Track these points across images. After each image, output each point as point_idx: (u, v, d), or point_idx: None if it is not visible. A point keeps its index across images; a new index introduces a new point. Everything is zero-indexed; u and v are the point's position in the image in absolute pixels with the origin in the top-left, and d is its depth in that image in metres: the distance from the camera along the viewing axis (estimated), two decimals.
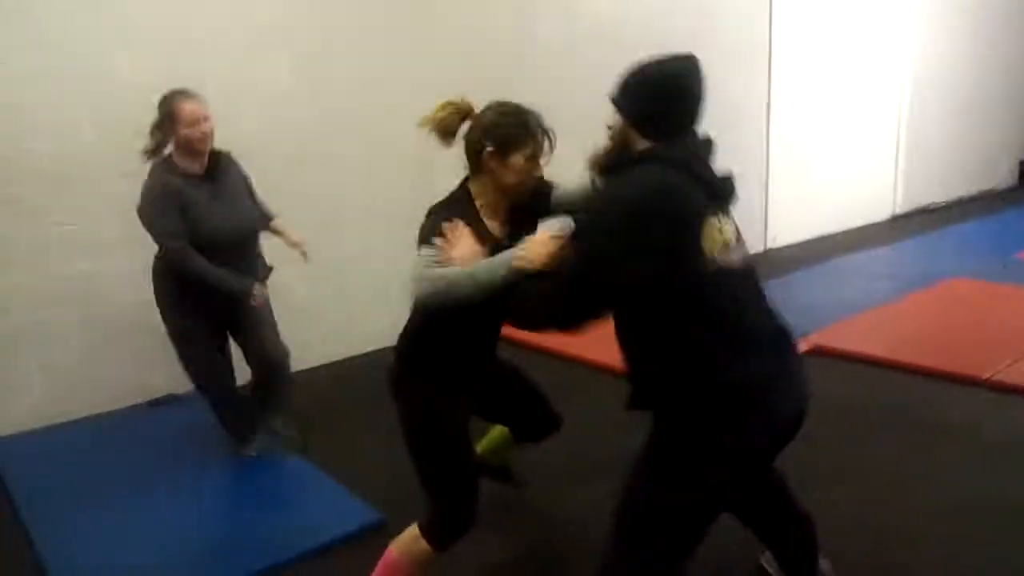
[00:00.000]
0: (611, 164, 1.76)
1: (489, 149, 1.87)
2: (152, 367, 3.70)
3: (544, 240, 1.75)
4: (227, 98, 3.31)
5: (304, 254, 3.22)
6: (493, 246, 1.85)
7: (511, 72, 4.68)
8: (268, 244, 3.23)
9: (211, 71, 3.60)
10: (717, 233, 1.65)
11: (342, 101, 4.27)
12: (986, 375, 3.63)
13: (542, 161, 1.93)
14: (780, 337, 1.75)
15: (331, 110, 4.23)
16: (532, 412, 2.32)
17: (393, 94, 4.35)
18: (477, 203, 1.93)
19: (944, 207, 8.54)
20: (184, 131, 2.70)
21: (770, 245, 6.81)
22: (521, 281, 1.71)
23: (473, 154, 1.91)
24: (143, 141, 2.77)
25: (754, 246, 6.26)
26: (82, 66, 3.49)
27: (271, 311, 3.06)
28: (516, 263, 1.72)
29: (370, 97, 4.36)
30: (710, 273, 1.62)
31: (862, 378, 3.77)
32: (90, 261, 3.61)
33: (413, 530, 1.99)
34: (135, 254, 3.12)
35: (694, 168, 1.66)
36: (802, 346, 3.54)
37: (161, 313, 2.94)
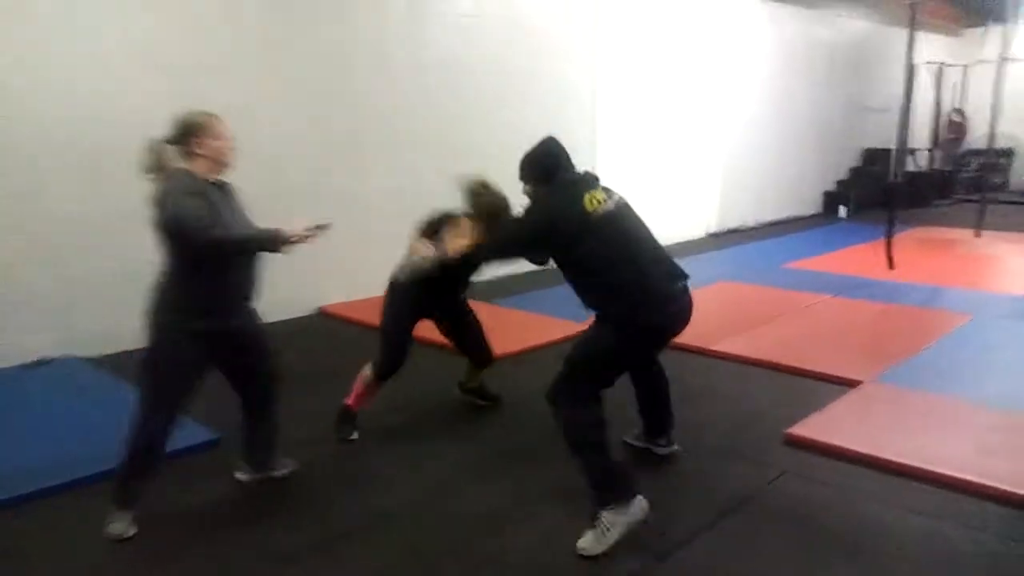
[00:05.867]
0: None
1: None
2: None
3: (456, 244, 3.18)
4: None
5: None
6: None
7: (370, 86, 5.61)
8: None
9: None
10: (592, 199, 2.80)
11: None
12: (711, 347, 4.77)
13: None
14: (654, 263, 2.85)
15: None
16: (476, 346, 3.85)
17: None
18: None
19: (754, 228, 10.00)
20: (216, 143, 2.79)
21: None
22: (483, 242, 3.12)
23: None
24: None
25: None
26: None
27: None
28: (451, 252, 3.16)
29: None
30: (593, 220, 2.76)
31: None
32: None
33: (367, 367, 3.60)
34: None
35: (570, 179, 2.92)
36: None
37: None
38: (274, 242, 2.69)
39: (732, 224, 9.76)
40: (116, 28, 4.61)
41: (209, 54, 4.98)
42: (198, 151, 2.73)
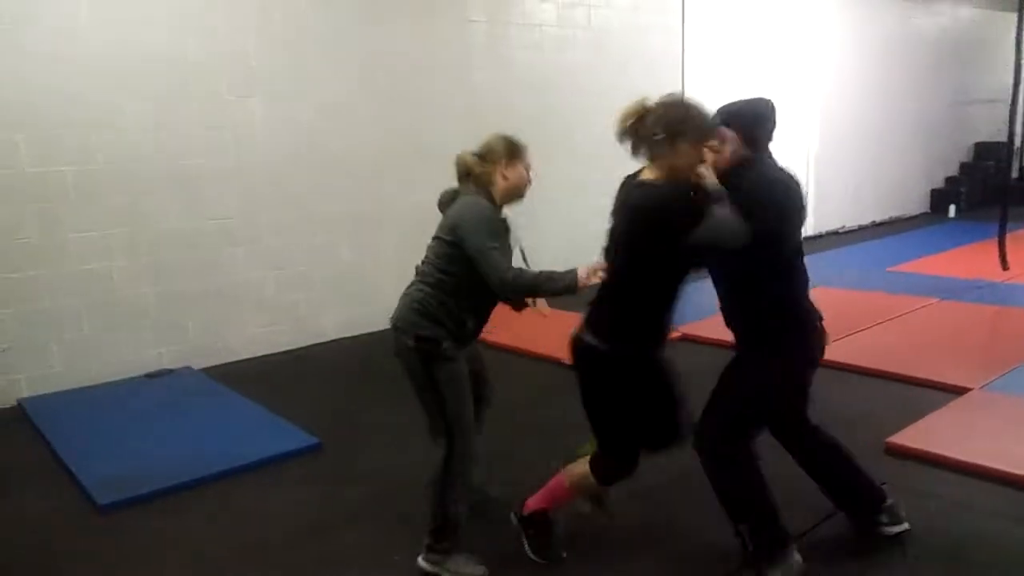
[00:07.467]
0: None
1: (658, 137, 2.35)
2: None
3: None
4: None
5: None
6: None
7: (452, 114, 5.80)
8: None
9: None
10: None
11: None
12: None
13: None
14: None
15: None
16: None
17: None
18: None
19: (857, 230, 9.63)
20: (527, 175, 2.69)
21: None
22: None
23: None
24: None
25: None
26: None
27: None
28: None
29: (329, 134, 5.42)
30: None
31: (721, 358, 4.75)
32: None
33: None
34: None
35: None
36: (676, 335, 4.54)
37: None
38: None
39: (830, 227, 9.43)
40: (213, 53, 4.88)
41: (292, 72, 5.20)
42: (505, 175, 2.60)
